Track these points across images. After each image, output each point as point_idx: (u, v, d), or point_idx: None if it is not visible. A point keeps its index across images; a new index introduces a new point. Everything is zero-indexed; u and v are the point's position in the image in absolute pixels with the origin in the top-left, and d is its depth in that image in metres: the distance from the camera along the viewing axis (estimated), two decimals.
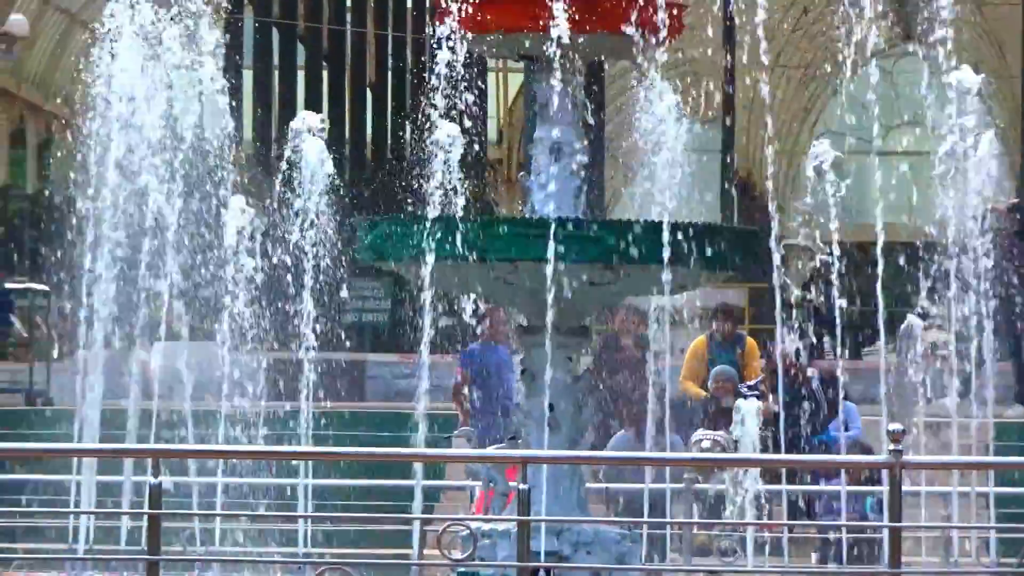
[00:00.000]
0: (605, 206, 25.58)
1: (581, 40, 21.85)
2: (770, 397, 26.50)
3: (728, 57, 32.29)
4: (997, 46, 44.73)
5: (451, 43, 21.90)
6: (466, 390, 28.62)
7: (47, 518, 24.75)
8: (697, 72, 26.20)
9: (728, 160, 31.14)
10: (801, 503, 26.94)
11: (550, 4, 21.45)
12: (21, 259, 41.41)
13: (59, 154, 48.85)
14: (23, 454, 26.91)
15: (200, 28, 25.24)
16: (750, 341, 28.09)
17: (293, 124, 26.13)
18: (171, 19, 25.24)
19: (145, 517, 16.90)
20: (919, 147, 25.58)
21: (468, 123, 22.46)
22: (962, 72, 25.10)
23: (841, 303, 23.67)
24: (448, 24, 21.88)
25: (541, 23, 21.65)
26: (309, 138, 24.38)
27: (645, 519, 21.87)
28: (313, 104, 43.10)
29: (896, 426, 18.78)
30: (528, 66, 23.49)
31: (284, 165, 23.51)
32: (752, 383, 26.63)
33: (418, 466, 23.91)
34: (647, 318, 23.87)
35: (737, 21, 27.78)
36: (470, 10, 22.55)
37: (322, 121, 25.92)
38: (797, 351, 26.15)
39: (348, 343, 28.25)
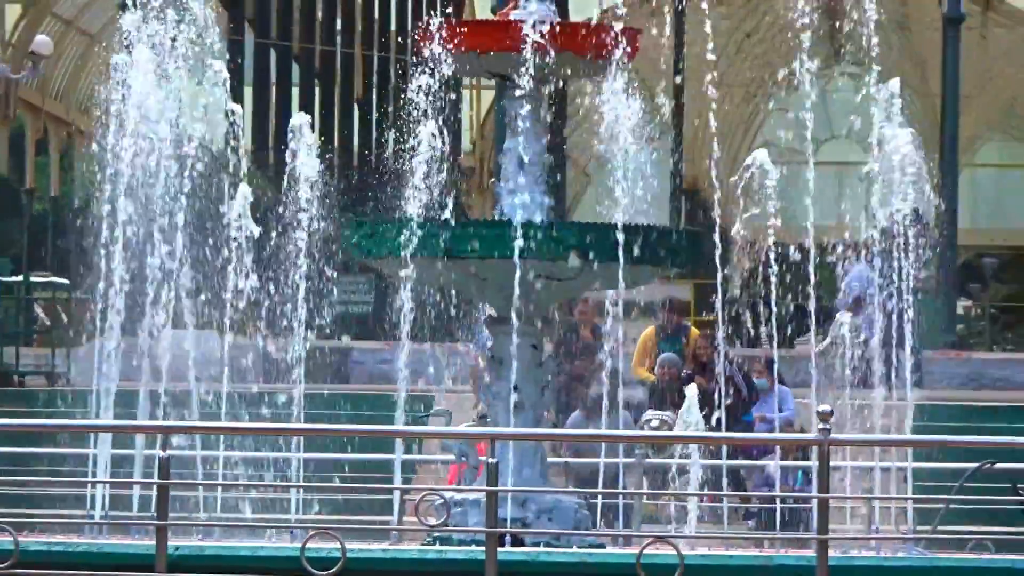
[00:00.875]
0: (566, 210, 25.68)
1: (548, 61, 22.10)
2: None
3: (678, 77, 32.28)
4: (920, 67, 44.73)
5: (430, 62, 22.17)
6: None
7: (66, 487, 24.76)
8: (650, 89, 26.30)
9: (677, 168, 31.20)
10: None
11: (520, 29, 21.77)
12: (44, 256, 41.18)
13: (78, 161, 48.95)
14: (45, 429, 26.90)
15: (206, 48, 25.39)
16: (694, 331, 28.15)
17: (292, 123, 26.50)
18: (180, 39, 25.54)
19: (155, 487, 17.09)
20: (846, 157, 25.67)
21: (444, 132, 22.81)
22: (887, 85, 25.32)
23: (776, 298, 23.93)
24: (428, 46, 22.14)
25: (511, 45, 21.97)
26: (303, 135, 24.59)
27: (599, 490, 21.93)
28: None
29: (825, 407, 18.97)
30: (499, 84, 23.73)
31: (288, 157, 23.71)
32: (694, 370, 26.78)
33: (398, 441, 24.12)
34: (603, 310, 23.95)
35: (686, 47, 27.78)
36: (448, 33, 22.85)
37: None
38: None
39: (335, 332, 28.19)
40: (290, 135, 25.24)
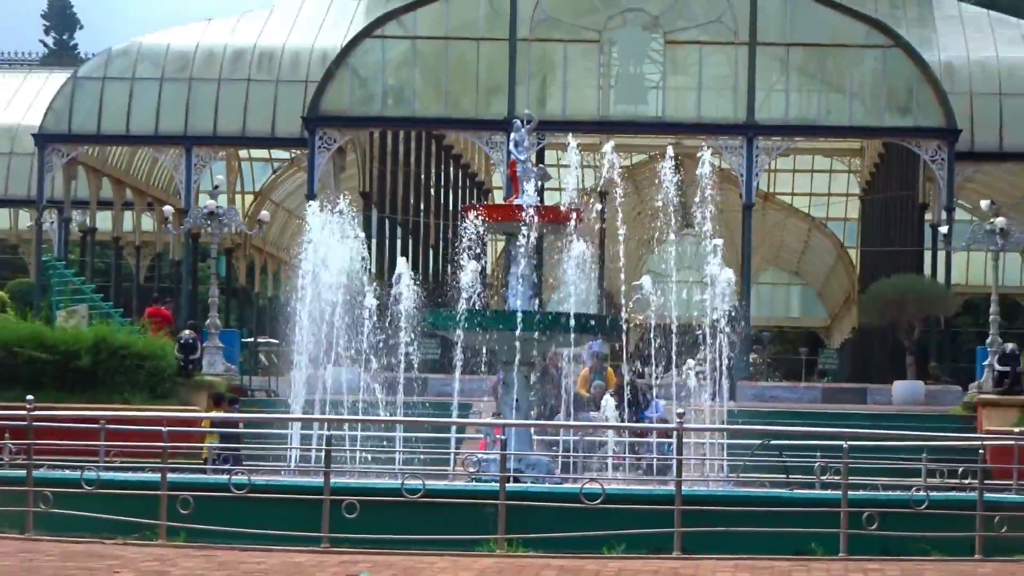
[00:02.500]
0: (543, 303, 25.79)
1: (533, 225, 22.35)
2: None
3: (601, 228, 32.03)
4: (731, 231, 44.63)
5: (470, 227, 22.37)
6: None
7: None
8: (586, 238, 26.04)
9: (601, 283, 31.22)
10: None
11: (520, 209, 22.10)
12: (265, 327, 40.63)
13: (282, 278, 49.14)
14: (267, 419, 26.69)
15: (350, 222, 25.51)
16: (609, 370, 27.38)
17: (398, 265, 26.65)
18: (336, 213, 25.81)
19: (324, 452, 17.08)
20: (692, 278, 25.94)
21: (478, 264, 23.11)
22: (715, 242, 25.31)
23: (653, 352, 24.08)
24: (470, 217, 22.39)
25: (513, 217, 22.32)
26: (404, 270, 24.55)
27: (561, 454, 21.82)
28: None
29: (680, 410, 19.06)
30: (507, 237, 23.91)
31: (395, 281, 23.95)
32: (612, 390, 26.54)
33: (453, 428, 24.15)
34: (562, 357, 23.94)
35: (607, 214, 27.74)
36: (480, 211, 23.17)
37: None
38: (632, 374, 26.45)
39: (421, 368, 28.24)
40: (397, 271, 25.43)
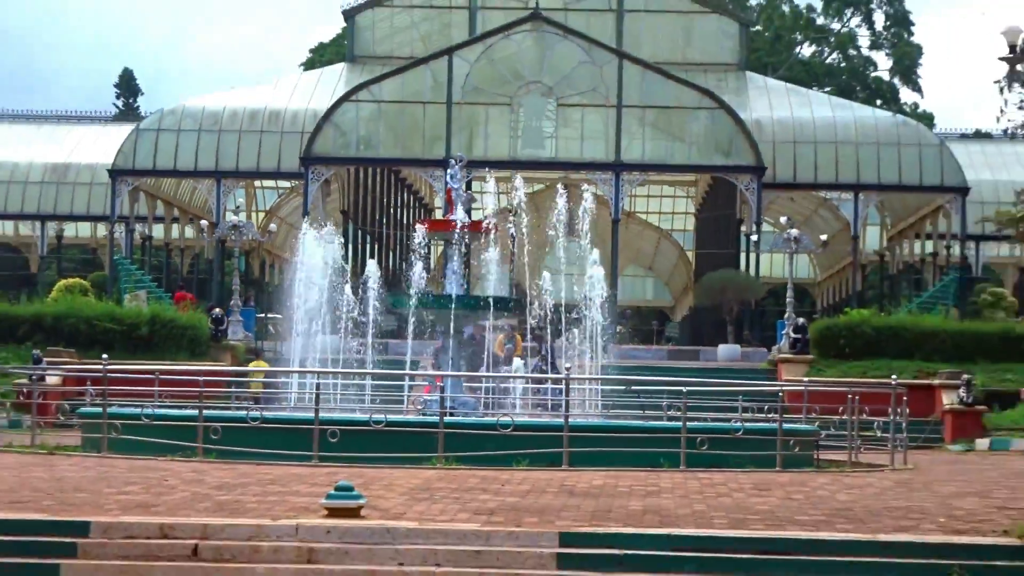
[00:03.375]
0: (470, 290, 25.66)
1: (463, 234, 22.21)
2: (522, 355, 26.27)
3: (512, 236, 32.29)
4: (604, 240, 44.47)
5: (418, 235, 22.24)
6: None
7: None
8: (501, 243, 25.82)
9: (512, 273, 30.96)
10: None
11: (453, 223, 21.91)
12: (272, 305, 39.50)
13: (280, 269, 48.41)
14: (275, 371, 26.34)
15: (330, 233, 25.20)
16: (518, 337, 26.74)
17: (368, 265, 26.33)
18: (325, 230, 25.75)
19: (315, 395, 17.14)
20: (576, 272, 25.88)
21: (425, 262, 22.97)
22: (593, 250, 25.21)
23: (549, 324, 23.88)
24: (418, 228, 22.24)
25: (449, 228, 22.13)
26: (371, 269, 24.22)
27: (483, 396, 21.39)
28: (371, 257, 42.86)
29: (567, 365, 18.98)
30: (446, 242, 23.60)
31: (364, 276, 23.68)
32: (519, 353, 26.13)
33: (406, 378, 23.69)
34: (484, 328, 23.78)
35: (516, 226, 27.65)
36: (427, 224, 22.98)
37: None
38: (539, 340, 26.08)
39: (383, 335, 27.73)
40: (367, 268, 25.27)
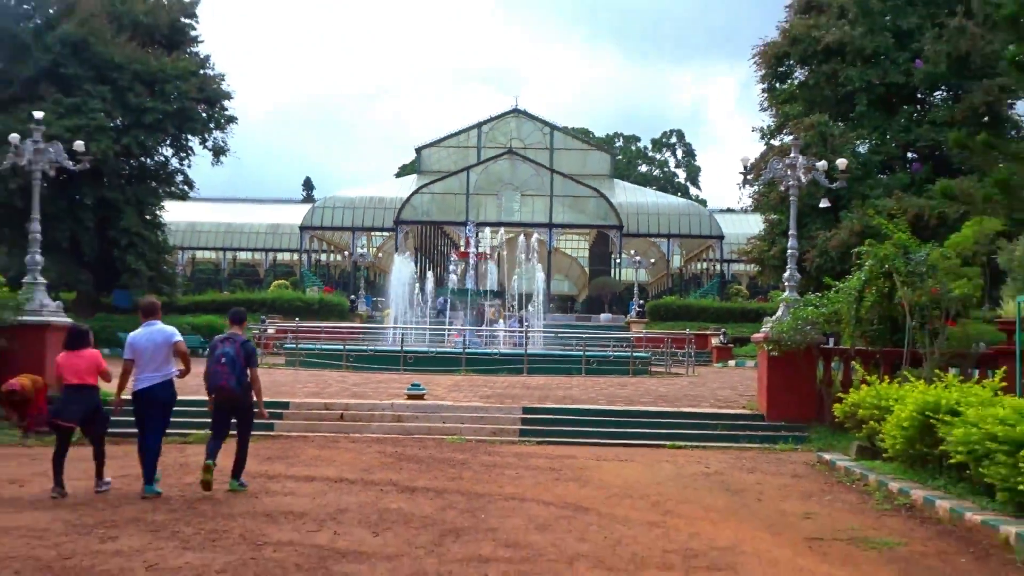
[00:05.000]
0: (478, 286, 24.20)
1: (468, 260, 21.61)
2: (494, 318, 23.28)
3: (500, 258, 31.65)
4: (544, 263, 41.25)
5: (455, 259, 20.82)
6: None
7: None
8: (483, 264, 24.95)
9: (499, 278, 29.98)
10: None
11: (468, 253, 20.89)
12: (366, 290, 34.98)
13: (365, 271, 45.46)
14: (380, 327, 23.64)
15: (408, 259, 23.81)
16: (502, 310, 24.21)
17: (428, 277, 24.04)
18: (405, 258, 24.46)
19: (400, 337, 16.57)
20: (528, 278, 24.54)
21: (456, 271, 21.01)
22: (540, 272, 23.89)
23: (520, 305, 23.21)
24: (453, 256, 20.71)
25: (466, 256, 20.92)
26: (429, 278, 22.65)
27: (484, 339, 20.36)
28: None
29: (526, 323, 17.70)
30: (465, 263, 21.66)
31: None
32: (502, 317, 23.84)
33: (446, 331, 21.01)
34: (486, 306, 22.86)
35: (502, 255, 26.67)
36: (457, 253, 21.48)
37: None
38: (511, 311, 24.05)
39: (436, 311, 24.72)
40: (428, 278, 23.77)
